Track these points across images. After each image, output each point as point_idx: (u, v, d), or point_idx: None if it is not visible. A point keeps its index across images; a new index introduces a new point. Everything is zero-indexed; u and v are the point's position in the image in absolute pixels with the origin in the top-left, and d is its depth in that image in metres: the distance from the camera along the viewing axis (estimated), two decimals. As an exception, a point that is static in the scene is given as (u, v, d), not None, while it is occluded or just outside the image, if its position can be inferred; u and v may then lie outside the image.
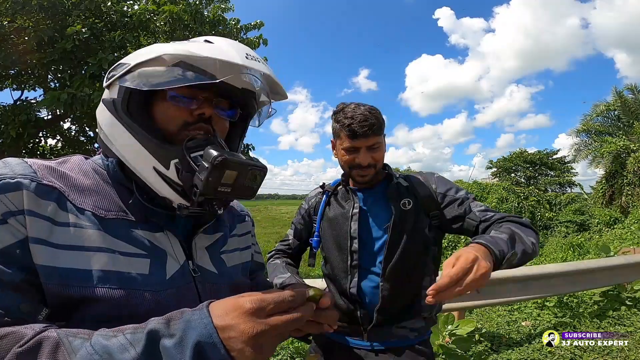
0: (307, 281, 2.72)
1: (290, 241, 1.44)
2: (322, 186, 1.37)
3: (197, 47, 0.60)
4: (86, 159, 0.66)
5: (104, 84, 0.65)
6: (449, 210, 1.20)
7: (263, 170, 0.61)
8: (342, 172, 1.32)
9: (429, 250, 1.22)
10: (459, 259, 0.76)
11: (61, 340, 0.45)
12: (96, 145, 0.69)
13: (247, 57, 0.59)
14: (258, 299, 0.47)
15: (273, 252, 1.45)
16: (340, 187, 1.33)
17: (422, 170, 1.36)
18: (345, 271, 1.22)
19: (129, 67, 0.61)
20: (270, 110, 0.74)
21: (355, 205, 1.24)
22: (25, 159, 0.57)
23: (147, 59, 0.60)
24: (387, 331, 1.19)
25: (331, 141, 1.29)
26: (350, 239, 1.21)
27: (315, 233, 1.32)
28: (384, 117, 1.24)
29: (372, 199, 1.27)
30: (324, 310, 0.60)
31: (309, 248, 1.39)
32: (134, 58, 0.62)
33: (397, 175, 1.29)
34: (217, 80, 0.59)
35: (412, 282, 1.20)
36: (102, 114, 0.64)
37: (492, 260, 0.83)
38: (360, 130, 1.13)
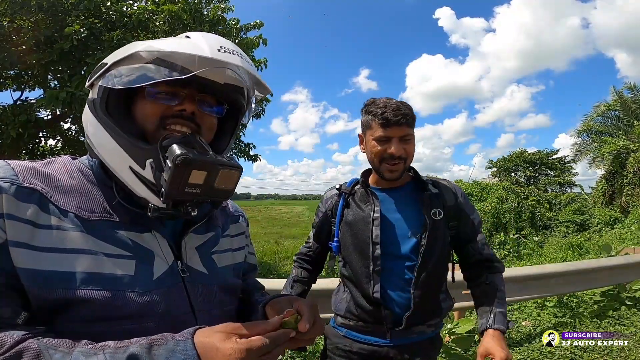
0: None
1: (311, 243, 1.44)
2: (339, 188, 1.33)
3: (171, 42, 0.59)
4: (73, 159, 0.65)
5: (86, 85, 0.66)
6: (462, 228, 1.27)
7: (237, 169, 0.59)
8: (363, 171, 1.33)
9: (449, 258, 1.30)
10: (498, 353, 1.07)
11: (42, 353, 0.45)
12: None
13: (219, 50, 0.58)
14: (246, 348, 0.49)
15: (296, 257, 1.47)
16: (358, 187, 1.30)
17: (448, 180, 1.34)
18: (367, 276, 1.20)
19: (107, 67, 0.61)
20: (254, 105, 0.73)
21: (375, 209, 1.21)
22: (8, 161, 0.57)
23: (123, 57, 0.59)
24: (409, 330, 1.21)
25: (359, 136, 1.28)
26: (372, 245, 1.19)
27: (335, 238, 1.28)
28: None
29: (395, 202, 1.25)
30: (304, 332, 0.59)
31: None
32: (112, 57, 0.62)
33: (426, 180, 1.29)
34: (187, 75, 0.57)
35: (439, 287, 1.26)
36: (86, 115, 0.64)
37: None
38: (393, 118, 1.13)
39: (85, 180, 0.61)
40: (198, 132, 0.63)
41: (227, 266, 0.75)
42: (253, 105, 0.73)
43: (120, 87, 0.59)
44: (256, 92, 0.72)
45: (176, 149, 0.53)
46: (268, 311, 0.67)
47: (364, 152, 1.26)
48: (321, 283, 2.57)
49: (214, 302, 0.67)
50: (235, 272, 0.78)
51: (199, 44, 0.58)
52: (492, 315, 1.17)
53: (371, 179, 1.31)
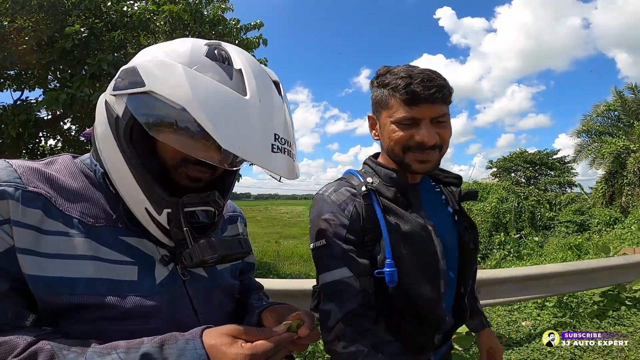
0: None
1: (358, 287, 0.82)
2: (358, 185, 0.90)
3: (225, 112, 0.51)
4: (74, 157, 0.64)
5: (112, 90, 0.58)
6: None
7: (245, 255, 0.64)
8: (370, 156, 1.00)
9: None
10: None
11: (56, 354, 0.46)
12: (84, 134, 0.67)
13: (273, 150, 0.53)
14: (251, 353, 0.49)
15: (340, 327, 0.80)
16: (377, 181, 0.90)
17: None
18: (437, 300, 0.88)
19: (143, 90, 0.53)
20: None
21: (422, 212, 0.90)
22: (10, 162, 0.56)
23: (164, 94, 0.52)
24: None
25: (369, 117, 0.95)
26: (440, 260, 0.88)
27: (388, 260, 0.82)
28: None
29: (426, 200, 0.96)
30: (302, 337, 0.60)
31: None
32: (150, 77, 0.54)
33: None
34: (234, 168, 0.60)
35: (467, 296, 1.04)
36: (102, 120, 0.59)
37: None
38: (424, 92, 0.80)
39: (89, 182, 0.61)
40: (213, 175, 0.64)
41: (226, 268, 0.75)
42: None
43: (154, 135, 0.54)
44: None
45: (207, 250, 0.55)
46: (266, 317, 0.68)
47: (377, 138, 0.94)
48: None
49: (215, 304, 0.68)
50: (233, 273, 0.79)
51: (254, 136, 0.52)
52: (482, 315, 1.15)
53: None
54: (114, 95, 0.58)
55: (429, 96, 0.80)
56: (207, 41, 0.60)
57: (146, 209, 0.58)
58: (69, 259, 0.53)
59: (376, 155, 1.01)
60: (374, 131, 0.95)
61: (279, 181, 0.61)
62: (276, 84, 0.60)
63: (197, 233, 0.59)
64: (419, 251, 0.85)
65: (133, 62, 0.58)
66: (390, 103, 0.85)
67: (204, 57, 0.55)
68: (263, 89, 0.55)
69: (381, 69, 0.90)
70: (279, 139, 0.54)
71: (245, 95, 0.53)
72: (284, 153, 0.54)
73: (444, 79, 0.84)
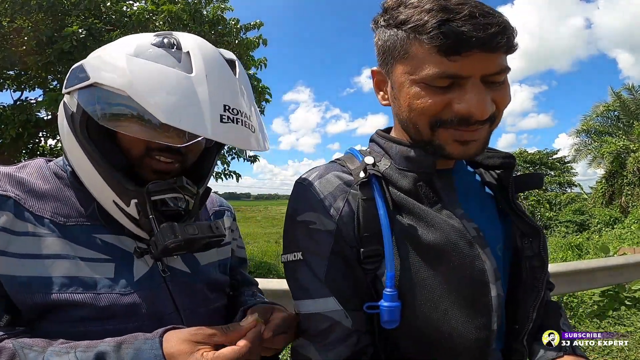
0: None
1: (349, 326, 0.58)
2: (355, 169, 0.62)
3: (167, 90, 0.51)
4: (48, 161, 0.65)
5: (64, 89, 0.60)
6: None
7: (220, 238, 0.62)
8: (377, 131, 0.71)
9: None
10: None
11: (17, 352, 0.46)
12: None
13: (222, 120, 0.51)
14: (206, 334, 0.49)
15: None
16: (389, 165, 0.63)
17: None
18: (485, 346, 0.58)
19: (89, 82, 0.54)
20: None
21: (457, 210, 0.60)
22: None
23: (110, 85, 0.52)
24: None
25: (372, 72, 0.66)
26: (491, 284, 0.58)
27: (388, 290, 0.56)
28: None
29: (464, 193, 0.66)
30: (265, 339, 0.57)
31: None
32: (94, 69, 0.55)
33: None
34: (184, 145, 0.56)
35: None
36: (62, 120, 0.60)
37: None
38: (476, 31, 0.50)
39: (61, 184, 0.61)
40: (183, 161, 0.62)
41: (212, 263, 0.74)
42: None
43: (103, 124, 0.54)
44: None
45: (168, 233, 0.54)
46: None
47: (386, 103, 0.65)
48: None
49: (198, 301, 0.67)
50: (221, 268, 0.77)
51: (200, 107, 0.50)
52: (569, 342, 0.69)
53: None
54: (68, 94, 0.59)
55: (485, 40, 0.50)
56: (157, 32, 0.60)
57: (114, 201, 0.57)
58: (41, 259, 0.54)
59: (388, 130, 0.71)
60: (381, 93, 0.65)
61: (245, 159, 0.62)
62: (231, 62, 0.59)
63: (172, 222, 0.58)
64: (455, 271, 0.56)
65: (82, 61, 0.59)
66: (411, 51, 0.55)
67: (150, 46, 0.55)
68: (211, 66, 0.54)
69: (389, 0, 0.59)
70: (230, 110, 0.52)
71: (191, 73, 0.53)
72: (236, 123, 0.52)
73: (503, 17, 0.53)
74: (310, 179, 0.63)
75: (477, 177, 0.71)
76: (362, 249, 0.58)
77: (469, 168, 0.72)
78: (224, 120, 0.51)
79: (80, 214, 0.59)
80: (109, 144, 0.58)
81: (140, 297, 0.58)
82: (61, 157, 0.66)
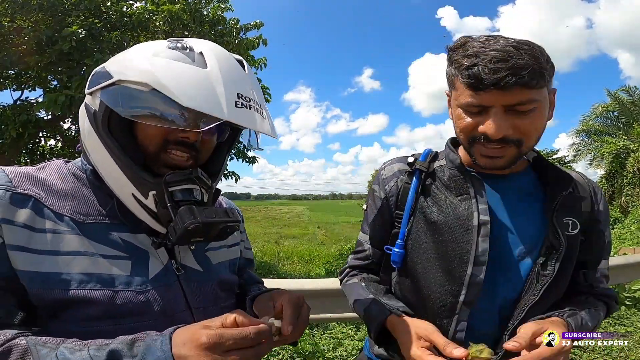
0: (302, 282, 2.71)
1: (367, 251, 0.94)
2: (411, 162, 0.87)
3: (186, 79, 0.55)
4: (66, 162, 0.67)
5: (86, 90, 0.63)
6: (589, 247, 0.82)
7: (236, 224, 0.62)
8: (450, 138, 0.89)
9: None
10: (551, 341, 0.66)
11: (29, 349, 0.47)
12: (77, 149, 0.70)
13: (237, 105, 0.55)
14: (217, 334, 0.48)
15: (345, 269, 0.99)
16: (442, 165, 0.85)
17: (584, 175, 0.89)
18: (450, 309, 0.77)
19: (111, 81, 0.58)
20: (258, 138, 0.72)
21: (480, 206, 0.77)
22: (3, 167, 0.59)
23: (132, 80, 0.57)
24: None
25: (446, 94, 0.83)
26: (474, 265, 0.75)
27: (399, 241, 0.83)
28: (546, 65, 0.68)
29: (504, 198, 0.81)
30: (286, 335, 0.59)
31: None
32: (117, 68, 0.59)
33: (555, 168, 0.84)
34: (201, 129, 0.58)
35: None
36: (83, 123, 0.63)
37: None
38: (490, 76, 0.65)
39: (80, 183, 0.63)
40: (197, 158, 0.64)
41: (222, 262, 0.76)
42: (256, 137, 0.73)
43: (125, 117, 0.57)
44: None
45: (187, 215, 0.55)
46: (256, 304, 0.69)
47: (451, 118, 0.82)
48: (321, 283, 2.58)
49: (210, 299, 0.69)
50: (231, 268, 0.79)
51: (216, 94, 0.55)
52: (569, 312, 0.77)
53: (463, 155, 0.85)
54: (90, 94, 0.62)
55: (496, 81, 0.65)
56: (171, 39, 0.64)
57: (133, 194, 0.59)
58: (61, 255, 0.55)
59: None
60: (450, 110, 0.82)
61: (257, 147, 0.68)
62: (240, 61, 0.63)
63: None
64: (444, 245, 0.78)
65: (103, 64, 0.63)
66: (456, 84, 0.74)
67: (166, 49, 0.59)
68: (224, 62, 0.59)
69: (461, 39, 0.74)
70: (243, 97, 0.56)
71: (206, 68, 0.57)
72: (249, 108, 0.57)
73: (532, 57, 0.66)
74: (384, 165, 0.94)
75: (536, 186, 0.83)
76: (396, 212, 0.87)
77: (533, 177, 0.85)
78: (238, 105, 0.55)
79: (99, 212, 0.61)
80: (128, 139, 0.60)
81: (155, 294, 0.60)
82: (79, 159, 0.68)
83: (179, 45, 0.60)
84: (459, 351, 0.65)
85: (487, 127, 0.70)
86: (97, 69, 0.63)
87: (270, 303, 0.65)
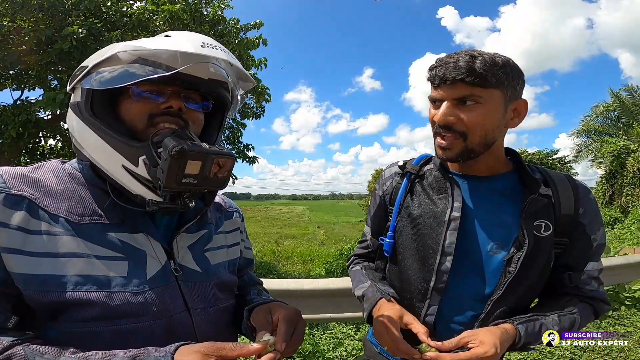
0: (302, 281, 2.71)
1: (368, 241, 1.09)
2: (402, 165, 1.00)
3: (152, 41, 0.60)
4: (62, 162, 0.66)
5: (68, 88, 0.66)
6: (572, 250, 0.86)
7: (230, 157, 0.60)
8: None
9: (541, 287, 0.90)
10: (482, 345, 0.73)
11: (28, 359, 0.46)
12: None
13: (202, 46, 0.59)
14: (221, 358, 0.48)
15: (351, 257, 1.14)
16: (431, 168, 0.96)
17: (573, 177, 0.92)
18: (423, 293, 0.89)
19: (87, 69, 0.61)
20: (240, 98, 0.74)
21: (455, 204, 0.88)
22: None
23: (103, 59, 0.59)
24: None
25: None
26: (442, 255, 0.87)
27: (389, 233, 0.97)
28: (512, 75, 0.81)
29: (482, 197, 0.89)
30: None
31: None
32: (91, 60, 0.62)
33: (535, 169, 0.91)
34: (172, 72, 0.57)
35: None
36: (71, 119, 0.64)
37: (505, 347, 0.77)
38: (445, 74, 0.80)
39: (75, 183, 0.62)
40: (186, 128, 0.63)
41: (222, 263, 0.75)
42: (239, 99, 0.74)
43: (104, 88, 0.59)
44: (241, 85, 0.73)
45: (171, 141, 0.54)
46: (254, 316, 0.68)
47: None
48: (321, 283, 2.57)
49: (209, 300, 0.68)
50: (231, 268, 0.79)
51: (181, 41, 0.59)
52: (526, 318, 0.82)
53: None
54: (72, 91, 0.65)
55: (448, 78, 0.80)
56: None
57: (124, 166, 0.59)
58: (56, 257, 0.54)
59: None
60: None
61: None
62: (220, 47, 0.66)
63: None
64: (419, 235, 0.91)
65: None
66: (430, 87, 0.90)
67: (141, 39, 0.62)
68: (194, 34, 0.63)
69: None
70: (207, 44, 0.60)
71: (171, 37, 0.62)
72: (215, 49, 0.60)
73: (483, 62, 0.78)
74: (385, 167, 1.07)
75: (516, 188, 0.89)
76: (389, 208, 1.00)
77: (516, 179, 0.90)
78: (203, 47, 0.59)
79: (95, 212, 0.60)
80: (114, 119, 0.61)
81: (153, 295, 0.59)
82: (74, 159, 0.67)
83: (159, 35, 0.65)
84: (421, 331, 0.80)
85: (437, 114, 0.84)
86: (75, 70, 0.65)
87: (269, 317, 0.65)
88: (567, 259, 0.86)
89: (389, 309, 0.86)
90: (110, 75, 0.59)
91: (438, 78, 0.82)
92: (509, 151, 0.93)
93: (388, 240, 0.96)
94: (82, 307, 0.54)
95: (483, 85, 0.78)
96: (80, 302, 0.53)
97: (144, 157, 0.57)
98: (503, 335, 0.77)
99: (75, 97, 0.63)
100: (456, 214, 0.87)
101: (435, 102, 0.86)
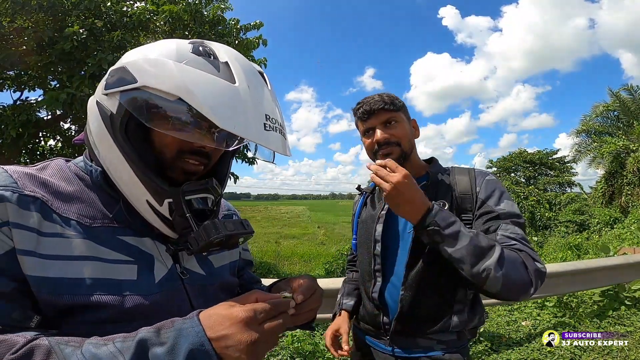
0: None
1: (352, 247, 1.40)
2: (359, 188, 1.33)
3: (217, 97, 0.53)
4: (67, 161, 0.65)
5: (104, 90, 0.60)
6: (477, 222, 1.06)
7: (249, 235, 0.63)
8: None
9: None
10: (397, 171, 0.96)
11: (52, 349, 0.46)
12: (75, 141, 0.72)
13: (265, 128, 0.56)
14: (251, 309, 0.49)
15: (347, 264, 1.50)
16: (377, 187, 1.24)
17: (474, 168, 1.18)
18: (369, 274, 1.19)
19: (135, 86, 0.56)
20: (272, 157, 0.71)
21: (385, 206, 1.19)
22: (4, 167, 0.57)
23: (159, 88, 0.54)
24: (410, 340, 1.11)
25: (362, 140, 1.22)
26: (374, 242, 1.17)
27: (354, 236, 1.31)
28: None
29: None
30: (301, 306, 0.62)
31: None
32: (142, 74, 0.56)
33: (442, 171, 1.18)
34: (231, 148, 0.60)
35: (439, 292, 1.08)
36: (94, 119, 0.61)
37: (418, 211, 0.95)
38: (370, 107, 1.12)
39: (84, 185, 0.62)
40: (208, 165, 0.65)
41: (224, 265, 0.77)
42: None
43: (152, 127, 0.56)
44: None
45: (212, 230, 0.56)
46: (273, 291, 0.72)
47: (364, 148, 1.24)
48: (321, 283, 2.57)
49: (212, 302, 0.68)
50: (232, 269, 0.80)
51: (247, 115, 0.54)
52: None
53: None
54: (106, 95, 0.59)
55: (373, 110, 1.12)
56: (190, 40, 0.62)
57: (147, 201, 0.59)
58: (68, 260, 0.54)
59: None
60: (362, 146, 1.26)
61: (272, 162, 0.67)
62: (261, 74, 0.63)
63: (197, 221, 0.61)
64: (365, 232, 1.24)
65: (121, 62, 0.60)
66: (358, 125, 1.20)
67: (190, 53, 0.58)
68: (250, 77, 0.59)
69: (358, 103, 1.21)
70: (270, 119, 0.57)
71: (235, 83, 0.56)
72: (276, 131, 0.58)
73: (389, 97, 1.14)
74: (357, 188, 1.35)
75: (424, 184, 1.14)
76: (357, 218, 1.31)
77: (432, 185, 1.15)
78: (266, 128, 0.56)
79: (104, 215, 0.60)
80: (145, 146, 0.60)
81: (161, 298, 0.60)
82: (80, 158, 0.66)
83: (201, 50, 0.59)
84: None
85: (376, 136, 1.13)
86: (115, 67, 0.60)
87: (288, 283, 0.69)
88: (478, 227, 1.04)
89: (335, 322, 1.27)
90: (160, 115, 0.55)
91: (367, 112, 1.14)
92: (432, 159, 1.25)
93: (354, 241, 1.32)
94: (95, 309, 0.54)
95: (395, 110, 1.14)
96: (93, 305, 0.53)
97: (171, 200, 0.59)
98: (419, 190, 0.97)
99: (110, 106, 0.58)
100: (384, 212, 1.19)
101: (367, 132, 1.16)
